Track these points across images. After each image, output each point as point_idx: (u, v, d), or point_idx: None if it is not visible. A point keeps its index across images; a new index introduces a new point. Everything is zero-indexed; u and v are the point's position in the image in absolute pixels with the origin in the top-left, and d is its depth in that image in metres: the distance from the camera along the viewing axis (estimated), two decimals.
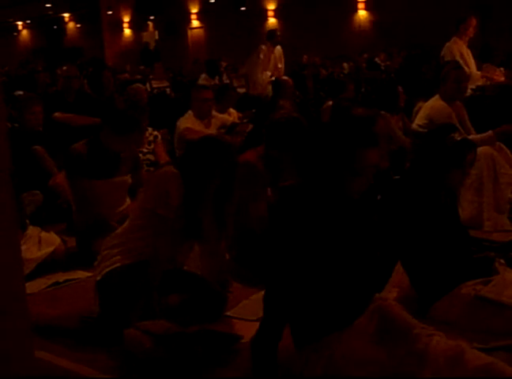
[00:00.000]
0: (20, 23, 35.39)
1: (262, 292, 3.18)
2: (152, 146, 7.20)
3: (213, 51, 23.09)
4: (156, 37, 29.40)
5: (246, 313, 4.00)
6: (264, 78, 11.52)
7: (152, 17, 28.99)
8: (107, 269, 3.89)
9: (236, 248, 4.72)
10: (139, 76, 16.68)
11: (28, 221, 5.27)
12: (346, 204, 3.11)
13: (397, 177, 5.72)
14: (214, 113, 7.85)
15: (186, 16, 27.62)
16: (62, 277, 4.89)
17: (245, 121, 8.48)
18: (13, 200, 2.25)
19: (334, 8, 21.48)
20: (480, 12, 13.54)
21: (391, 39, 19.58)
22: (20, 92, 10.04)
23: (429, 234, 3.79)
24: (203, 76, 12.95)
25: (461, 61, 8.08)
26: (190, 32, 28.12)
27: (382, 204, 4.28)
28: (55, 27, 33.93)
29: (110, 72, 9.71)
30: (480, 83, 9.01)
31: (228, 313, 4.09)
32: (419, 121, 6.26)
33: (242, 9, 24.69)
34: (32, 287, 4.52)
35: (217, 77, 13.32)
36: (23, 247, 4.57)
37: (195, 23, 27.83)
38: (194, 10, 27.55)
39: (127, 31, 30.10)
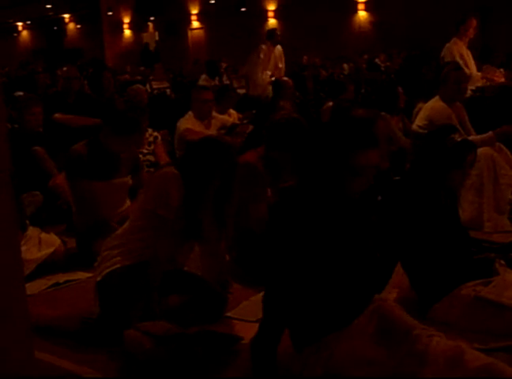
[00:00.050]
0: (20, 24, 35.41)
1: (262, 293, 3.18)
2: (152, 147, 7.21)
3: (213, 52, 23.13)
4: (157, 38, 29.42)
5: (247, 314, 4.00)
6: (264, 78, 11.52)
7: (152, 18, 29.01)
8: (108, 270, 3.89)
9: (236, 249, 4.72)
10: (139, 77, 16.68)
11: (28, 222, 5.27)
12: (345, 205, 3.11)
13: (397, 178, 5.72)
14: (214, 114, 7.85)
15: (186, 17, 27.64)
16: (62, 278, 4.89)
17: (245, 122, 8.48)
18: (13, 200, 2.25)
19: (334, 9, 21.50)
20: (480, 13, 13.54)
21: (391, 40, 19.60)
22: (20, 93, 10.05)
23: (429, 235, 3.79)
24: (203, 77, 12.97)
25: (460, 62, 8.08)
26: (190, 33, 28.14)
27: (383, 204, 4.28)
28: (55, 28, 33.96)
29: (110, 73, 9.71)
30: (479, 84, 9.01)
31: (228, 314, 4.08)
32: (419, 122, 6.25)
33: (243, 9, 24.72)
34: (32, 287, 4.52)
35: (217, 78, 13.35)
36: (23, 248, 4.58)
37: (195, 24, 27.85)
38: (194, 11, 27.57)
39: (127, 32, 30.13)
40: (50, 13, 32.68)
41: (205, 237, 4.07)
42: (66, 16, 33.18)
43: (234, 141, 6.63)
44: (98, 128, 5.44)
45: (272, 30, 12.64)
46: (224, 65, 17.59)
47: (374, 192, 4.80)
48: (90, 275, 4.55)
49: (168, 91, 13.20)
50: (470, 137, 5.36)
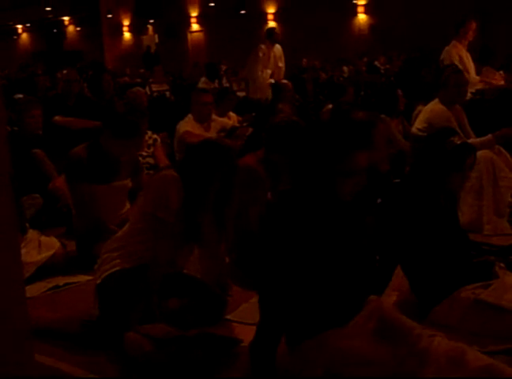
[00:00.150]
0: (20, 26, 35.45)
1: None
2: (152, 149, 7.20)
3: (213, 55, 23.14)
4: (156, 40, 29.43)
5: (246, 316, 4.00)
6: (264, 76, 11.53)
7: (151, 21, 29.03)
8: (107, 273, 3.89)
9: (236, 251, 4.72)
10: (139, 80, 16.70)
11: (27, 225, 5.26)
12: (337, 206, 3.12)
13: (396, 180, 5.71)
14: (214, 116, 7.85)
15: (185, 19, 27.68)
16: (61, 281, 4.89)
17: (245, 124, 8.48)
18: (13, 203, 2.25)
19: (334, 11, 21.54)
20: (480, 15, 13.53)
21: (390, 42, 19.61)
22: (20, 96, 10.03)
23: (429, 237, 3.79)
24: (203, 79, 12.96)
25: (460, 65, 8.08)
26: (189, 36, 28.17)
27: (382, 207, 4.28)
28: (55, 30, 33.99)
29: (109, 75, 9.71)
30: (478, 87, 9.01)
31: (228, 317, 4.08)
32: (418, 124, 6.26)
33: (242, 12, 24.75)
34: (32, 290, 4.52)
35: (217, 81, 13.33)
36: (23, 251, 4.58)
37: (195, 26, 27.89)
38: (194, 14, 27.60)
39: (127, 35, 30.17)
40: (50, 16, 32.71)
41: (204, 239, 4.07)
42: (66, 18, 33.22)
43: (233, 144, 6.63)
44: (98, 130, 5.44)
45: (271, 29, 12.66)
46: (223, 67, 17.60)
47: (373, 194, 4.80)
48: (90, 277, 4.55)
49: (168, 93, 13.20)
50: (469, 140, 5.37)
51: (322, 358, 2.99)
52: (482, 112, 7.26)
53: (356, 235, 3.21)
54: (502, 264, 4.04)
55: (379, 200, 4.85)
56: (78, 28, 33.07)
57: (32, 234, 5.12)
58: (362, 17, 22.60)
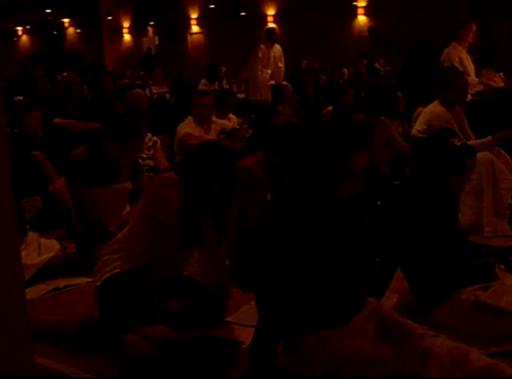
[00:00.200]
0: (20, 28, 35.46)
1: None
2: (152, 151, 7.20)
3: (213, 57, 23.15)
4: (156, 42, 29.44)
5: (246, 318, 4.00)
6: (264, 76, 11.56)
7: (151, 23, 29.04)
8: (107, 275, 3.88)
9: (236, 253, 4.72)
10: (139, 82, 16.70)
11: (27, 227, 5.26)
12: (335, 207, 3.12)
13: (396, 182, 5.72)
14: (214, 118, 7.86)
15: (185, 21, 27.69)
16: (61, 283, 4.89)
17: (245, 126, 8.49)
18: (13, 205, 2.25)
19: (333, 13, 21.55)
20: (480, 17, 13.56)
21: (390, 44, 19.61)
22: (20, 98, 10.04)
23: (429, 239, 3.80)
24: (203, 81, 12.97)
25: (460, 67, 8.08)
26: (189, 38, 28.18)
27: (382, 209, 4.28)
28: (55, 32, 33.99)
29: (109, 77, 9.71)
30: (478, 89, 9.01)
31: (228, 319, 4.08)
32: (418, 126, 6.26)
33: (242, 14, 24.76)
34: (32, 292, 4.52)
35: (217, 83, 13.35)
36: (23, 253, 4.58)
37: (195, 28, 27.90)
38: (194, 15, 27.62)
39: (127, 37, 30.18)
40: (50, 18, 32.72)
41: (204, 241, 4.06)
42: (66, 20, 33.24)
43: (234, 146, 6.64)
44: (98, 133, 5.43)
45: (270, 29, 12.69)
46: (223, 69, 17.60)
47: (373, 196, 4.80)
48: (90, 279, 4.54)
49: (168, 95, 13.21)
50: (469, 142, 5.37)
51: (322, 357, 2.99)
52: (482, 114, 7.26)
53: (353, 236, 3.21)
54: (502, 266, 4.04)
55: (379, 202, 4.85)
56: (78, 30, 33.09)
57: (31, 236, 5.12)
58: (362, 19, 22.61)
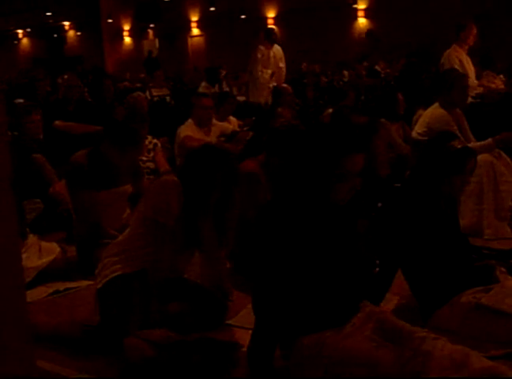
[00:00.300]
0: (20, 31, 35.45)
1: None
2: (152, 154, 7.20)
3: (213, 59, 23.15)
4: (157, 45, 29.44)
5: (247, 321, 3.98)
6: (265, 77, 11.57)
7: (152, 25, 29.05)
8: (108, 278, 3.88)
9: (237, 256, 4.72)
10: (139, 85, 16.70)
11: (28, 229, 5.26)
12: (330, 210, 3.13)
13: (397, 185, 5.72)
14: (214, 121, 7.86)
15: (186, 24, 27.70)
16: (62, 286, 4.89)
17: (245, 129, 8.50)
18: (14, 208, 2.25)
19: (334, 16, 21.56)
20: (481, 19, 13.55)
21: (390, 46, 19.61)
22: (21, 100, 10.06)
23: (429, 242, 3.79)
24: (203, 84, 12.99)
25: (460, 69, 8.08)
26: (190, 40, 28.20)
27: (383, 211, 4.28)
28: (55, 35, 33.99)
29: (110, 80, 9.72)
30: (478, 91, 9.01)
31: (229, 322, 4.08)
32: (418, 129, 6.26)
33: (242, 17, 24.77)
34: (33, 295, 4.52)
35: (217, 85, 13.35)
36: (23, 256, 4.57)
37: (195, 31, 27.92)
38: (194, 18, 27.63)
39: (127, 40, 30.20)
40: (51, 21, 32.72)
41: (205, 244, 4.06)
42: (66, 23, 33.24)
43: (234, 148, 6.64)
44: (98, 135, 5.43)
45: (269, 30, 12.71)
46: (223, 72, 17.60)
47: (374, 199, 4.80)
48: (90, 282, 4.54)
49: (168, 98, 13.21)
50: (470, 144, 5.37)
51: (322, 358, 2.99)
52: (482, 116, 7.27)
53: (349, 238, 3.22)
54: (502, 269, 4.04)
55: (379, 205, 4.85)
56: (78, 33, 33.09)
57: (32, 239, 5.12)
58: (362, 22, 22.63)
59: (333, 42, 21.74)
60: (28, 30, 35.10)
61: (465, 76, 6.55)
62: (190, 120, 7.61)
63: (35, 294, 4.65)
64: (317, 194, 3.08)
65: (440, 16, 18.28)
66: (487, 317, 3.57)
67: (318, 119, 8.65)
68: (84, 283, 4.87)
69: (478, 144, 5.81)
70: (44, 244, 5.15)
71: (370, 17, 22.29)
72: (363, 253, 3.32)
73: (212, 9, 26.05)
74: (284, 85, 9.93)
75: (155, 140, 7.31)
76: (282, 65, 11.93)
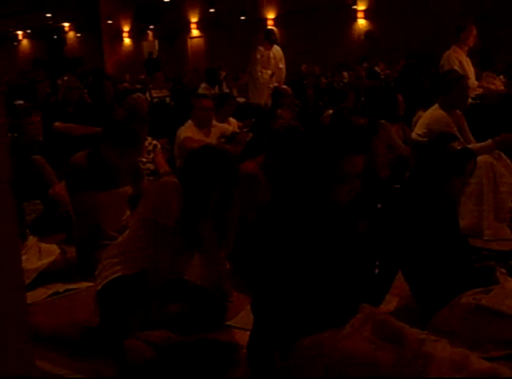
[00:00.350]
0: (20, 32, 35.46)
1: None
2: (152, 155, 7.20)
3: (213, 60, 23.15)
4: (157, 46, 29.44)
5: (247, 322, 3.96)
6: (264, 77, 11.58)
7: (151, 27, 29.06)
8: (108, 279, 3.88)
9: (236, 257, 4.72)
10: (139, 86, 16.70)
11: (28, 231, 5.26)
12: (330, 212, 3.13)
13: (397, 186, 5.72)
14: (214, 122, 7.86)
15: (185, 25, 27.71)
16: (62, 287, 4.89)
17: (245, 130, 8.50)
18: (14, 209, 2.25)
19: (333, 17, 21.57)
20: (481, 21, 13.55)
21: (390, 47, 19.61)
22: (21, 102, 10.06)
23: (429, 243, 3.79)
24: (203, 85, 12.99)
25: (459, 70, 8.08)
26: (189, 42, 28.21)
27: (383, 213, 4.28)
28: (55, 36, 34.00)
29: (110, 81, 9.72)
30: (478, 92, 9.01)
31: (229, 323, 4.08)
32: (418, 130, 6.26)
33: (242, 18, 24.77)
34: (33, 296, 4.52)
35: (217, 86, 13.35)
36: (23, 257, 4.57)
37: (195, 32, 27.93)
38: (194, 19, 27.64)
39: (127, 41, 30.21)
40: (51, 22, 32.74)
41: (205, 245, 4.07)
42: (66, 24, 33.25)
43: (234, 150, 6.64)
44: (98, 137, 5.43)
45: (269, 30, 12.71)
46: (223, 73, 17.61)
47: (373, 200, 4.80)
48: (90, 284, 4.54)
49: (168, 99, 13.21)
50: (469, 145, 5.36)
51: (322, 357, 2.99)
52: (482, 117, 7.26)
53: (348, 240, 3.22)
54: (502, 270, 4.03)
55: (379, 206, 4.85)
56: (78, 34, 33.10)
57: (32, 240, 5.12)
58: (361, 23, 22.64)
59: (332, 43, 21.76)
60: (28, 31, 35.11)
61: (465, 77, 6.56)
62: (189, 121, 7.61)
63: (35, 296, 4.64)
64: (316, 196, 3.08)
65: (440, 17, 18.29)
66: (487, 318, 3.57)
67: (318, 120, 8.65)
68: (84, 284, 4.87)
69: (478, 145, 5.81)
70: (44, 245, 5.15)
71: (369, 18, 22.30)
72: (363, 255, 3.32)
73: (211, 10, 26.06)
74: (284, 87, 9.95)
75: (155, 142, 7.31)
76: (282, 65, 11.94)
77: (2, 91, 11.91)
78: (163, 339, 3.53)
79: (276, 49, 11.87)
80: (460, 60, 9.01)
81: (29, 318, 2.41)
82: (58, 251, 5.14)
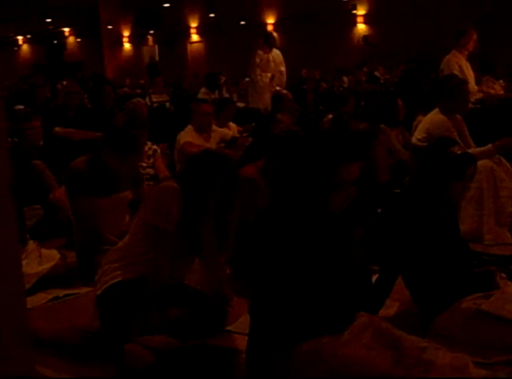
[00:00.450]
0: (20, 37, 35.50)
1: None
2: (152, 160, 7.20)
3: (213, 65, 23.17)
4: (157, 51, 29.47)
5: (247, 327, 3.97)
6: (264, 80, 11.60)
7: (151, 32, 29.09)
8: (108, 284, 3.88)
9: (237, 262, 4.72)
10: (139, 91, 16.71)
11: (28, 236, 5.26)
12: (325, 219, 3.13)
13: (397, 191, 5.72)
14: (214, 127, 7.86)
15: (185, 30, 27.74)
16: (62, 292, 4.89)
17: (245, 135, 8.50)
18: (14, 214, 2.25)
19: (333, 22, 21.59)
20: (480, 25, 13.56)
21: (390, 52, 19.63)
22: (21, 107, 10.07)
23: (429, 248, 3.79)
24: (203, 90, 13.00)
25: (459, 75, 8.08)
26: (189, 46, 28.23)
27: (382, 217, 4.28)
28: (55, 41, 34.04)
29: (110, 86, 9.73)
30: (477, 97, 9.01)
31: (229, 328, 4.07)
32: (418, 134, 6.26)
33: (242, 23, 24.80)
34: (33, 301, 4.51)
35: (217, 91, 13.37)
36: (23, 262, 4.57)
37: (195, 37, 27.96)
38: (194, 24, 27.67)
39: (127, 46, 30.24)
40: (51, 27, 32.77)
41: (205, 250, 4.06)
42: (66, 29, 33.29)
43: (234, 154, 6.64)
44: (98, 142, 5.43)
45: (268, 34, 12.77)
46: (223, 78, 17.63)
47: (373, 205, 4.80)
48: (90, 289, 4.54)
49: (168, 104, 13.22)
50: (470, 150, 5.37)
51: (321, 362, 2.99)
52: (482, 122, 7.27)
53: (343, 246, 3.21)
54: (503, 274, 4.03)
55: (379, 211, 4.85)
56: (78, 39, 33.15)
57: (32, 245, 5.12)
58: (361, 27, 22.66)
59: (332, 48, 21.78)
60: (28, 36, 35.15)
61: (465, 81, 6.55)
62: (189, 126, 7.62)
63: (35, 301, 4.64)
64: (312, 202, 3.08)
65: (440, 21, 18.32)
66: (487, 323, 3.57)
67: (318, 125, 8.66)
68: (84, 289, 4.86)
69: (478, 149, 5.81)
70: (44, 250, 5.15)
71: (369, 23, 22.32)
72: (358, 262, 3.31)
73: (211, 15, 26.10)
74: (284, 91, 9.95)
75: (154, 146, 7.31)
76: (283, 68, 11.97)
77: (2, 96, 11.90)
78: (163, 344, 3.53)
79: (276, 52, 11.89)
80: (460, 64, 9.01)
81: (29, 323, 2.41)
82: (59, 256, 5.14)
